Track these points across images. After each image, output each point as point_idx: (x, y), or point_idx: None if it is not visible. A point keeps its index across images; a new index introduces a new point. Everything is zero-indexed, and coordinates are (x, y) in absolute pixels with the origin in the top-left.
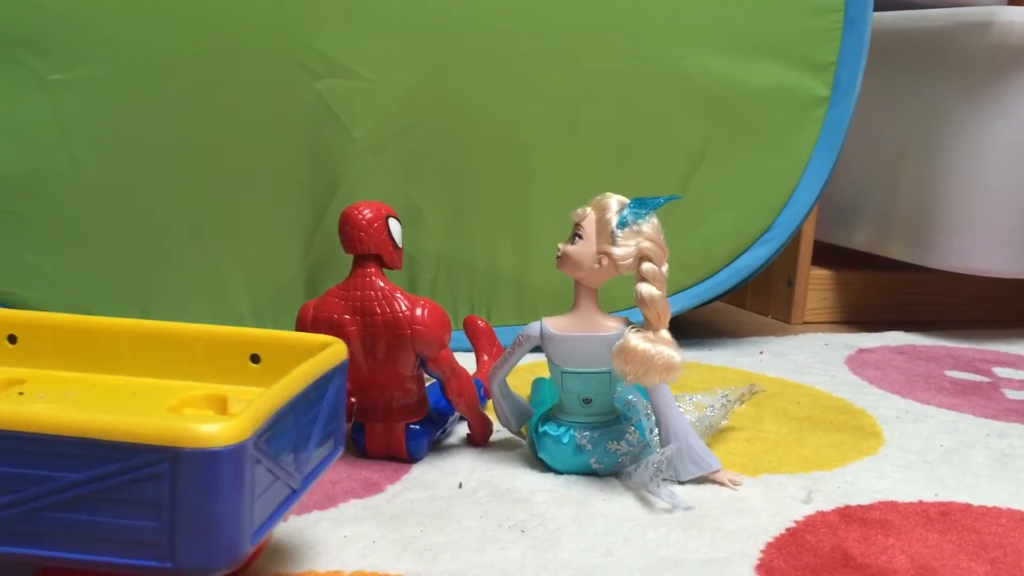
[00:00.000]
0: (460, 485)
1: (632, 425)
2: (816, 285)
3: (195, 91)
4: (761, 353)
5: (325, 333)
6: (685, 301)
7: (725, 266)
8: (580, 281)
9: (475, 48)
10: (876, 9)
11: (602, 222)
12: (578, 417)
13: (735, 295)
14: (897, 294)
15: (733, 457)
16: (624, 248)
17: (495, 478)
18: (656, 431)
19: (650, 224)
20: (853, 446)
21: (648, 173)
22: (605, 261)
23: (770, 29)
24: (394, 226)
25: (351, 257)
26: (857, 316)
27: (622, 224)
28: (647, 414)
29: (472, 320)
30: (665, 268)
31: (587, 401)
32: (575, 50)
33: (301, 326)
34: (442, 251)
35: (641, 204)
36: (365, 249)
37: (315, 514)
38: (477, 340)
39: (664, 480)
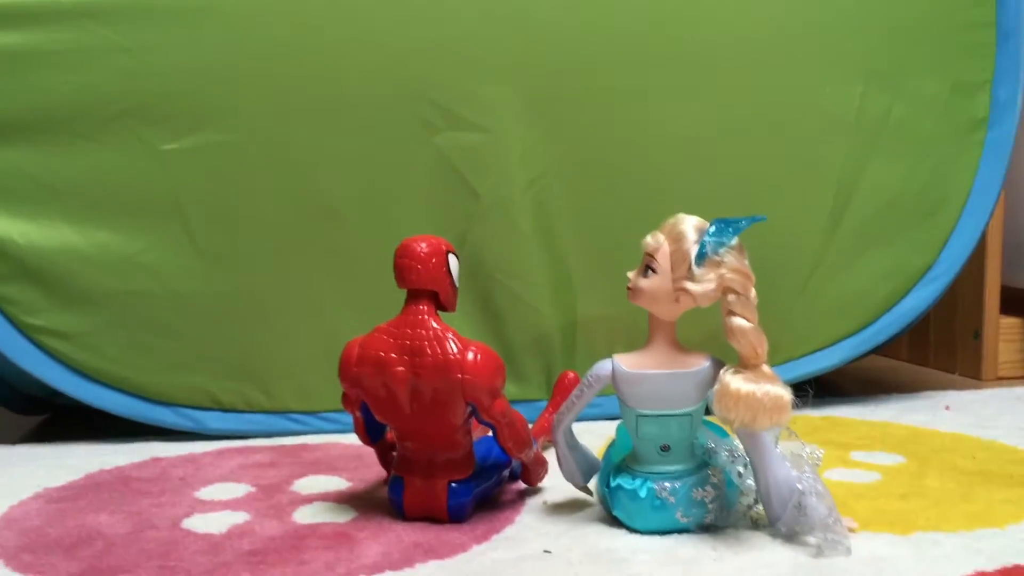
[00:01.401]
0: (547, 551)
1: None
2: (1008, 336)
3: (311, 154)
4: (947, 408)
5: (370, 372)
6: (844, 352)
7: (887, 310)
8: (655, 314)
9: (599, 91)
10: None
11: (679, 254)
12: (655, 467)
13: (918, 351)
14: None
15: (882, 515)
16: (704, 285)
17: (589, 536)
18: (743, 471)
19: (732, 250)
20: None
21: (795, 211)
22: (684, 297)
23: (916, 50)
24: (453, 263)
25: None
26: None
27: (700, 257)
28: (731, 456)
29: (563, 375)
30: (753, 294)
31: (665, 448)
32: (707, 87)
33: (345, 365)
34: (591, 314)
35: (722, 230)
36: (421, 284)
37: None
38: (554, 396)
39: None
